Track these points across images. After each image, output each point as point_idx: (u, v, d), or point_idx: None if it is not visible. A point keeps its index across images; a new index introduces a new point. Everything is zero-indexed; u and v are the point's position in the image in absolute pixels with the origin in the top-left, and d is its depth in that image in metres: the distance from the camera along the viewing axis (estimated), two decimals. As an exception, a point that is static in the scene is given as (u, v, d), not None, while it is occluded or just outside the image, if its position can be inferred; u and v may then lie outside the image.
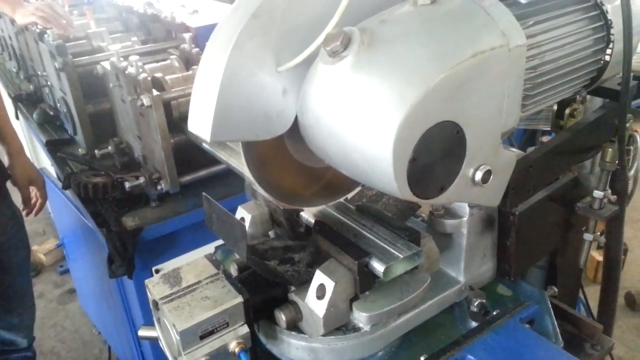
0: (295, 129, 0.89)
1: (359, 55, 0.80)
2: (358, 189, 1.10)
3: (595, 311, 1.67)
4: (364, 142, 0.80)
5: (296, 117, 0.88)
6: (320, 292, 0.94)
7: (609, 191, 1.25)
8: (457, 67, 0.79)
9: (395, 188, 0.81)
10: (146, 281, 1.01)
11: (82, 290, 3.19)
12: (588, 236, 1.29)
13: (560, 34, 1.04)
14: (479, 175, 0.90)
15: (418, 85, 0.77)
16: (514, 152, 0.98)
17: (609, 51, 1.13)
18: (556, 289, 1.30)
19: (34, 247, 3.81)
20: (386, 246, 0.98)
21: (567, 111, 1.26)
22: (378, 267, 0.93)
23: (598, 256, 2.93)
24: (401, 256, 0.94)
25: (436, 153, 0.83)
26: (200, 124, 0.84)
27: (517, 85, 0.90)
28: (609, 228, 1.40)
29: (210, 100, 0.82)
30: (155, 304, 0.98)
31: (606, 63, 1.15)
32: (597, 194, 1.23)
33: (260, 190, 0.97)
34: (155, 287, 0.99)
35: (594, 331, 1.17)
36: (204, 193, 1.01)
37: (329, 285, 0.93)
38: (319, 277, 0.95)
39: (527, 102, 0.99)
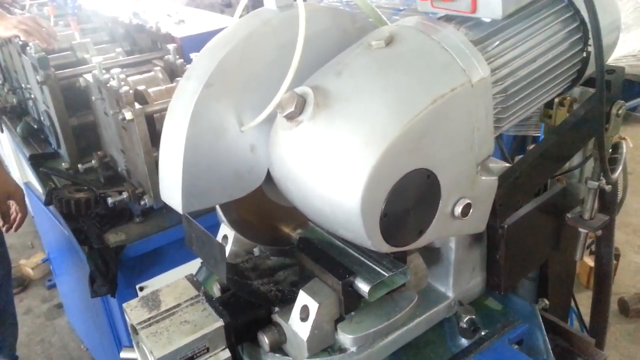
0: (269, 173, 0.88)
1: (315, 119, 0.78)
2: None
3: (587, 318, 1.65)
4: (332, 206, 0.78)
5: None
6: (304, 314, 0.91)
7: (604, 181, 1.20)
8: (417, 119, 0.76)
9: (370, 245, 0.80)
10: (124, 305, 0.97)
11: (69, 306, 3.14)
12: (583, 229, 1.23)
13: (532, 46, 0.97)
14: (458, 210, 0.88)
15: (377, 145, 0.75)
16: (494, 177, 0.94)
17: (590, 44, 1.05)
18: (547, 302, 1.28)
19: (21, 261, 3.74)
20: (371, 264, 0.95)
21: (557, 100, 1.20)
22: (363, 287, 0.90)
23: (591, 262, 2.92)
24: (387, 275, 0.92)
25: (409, 202, 0.81)
26: (171, 197, 0.84)
27: (486, 115, 0.87)
28: (598, 239, 1.38)
29: (176, 174, 0.81)
30: (134, 328, 0.94)
31: (586, 61, 1.08)
32: (592, 184, 1.19)
33: (235, 232, 0.96)
34: (133, 311, 0.96)
35: (586, 345, 1.15)
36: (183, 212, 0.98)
37: (313, 306, 0.90)
38: (303, 298, 0.92)
39: (500, 124, 0.95)
